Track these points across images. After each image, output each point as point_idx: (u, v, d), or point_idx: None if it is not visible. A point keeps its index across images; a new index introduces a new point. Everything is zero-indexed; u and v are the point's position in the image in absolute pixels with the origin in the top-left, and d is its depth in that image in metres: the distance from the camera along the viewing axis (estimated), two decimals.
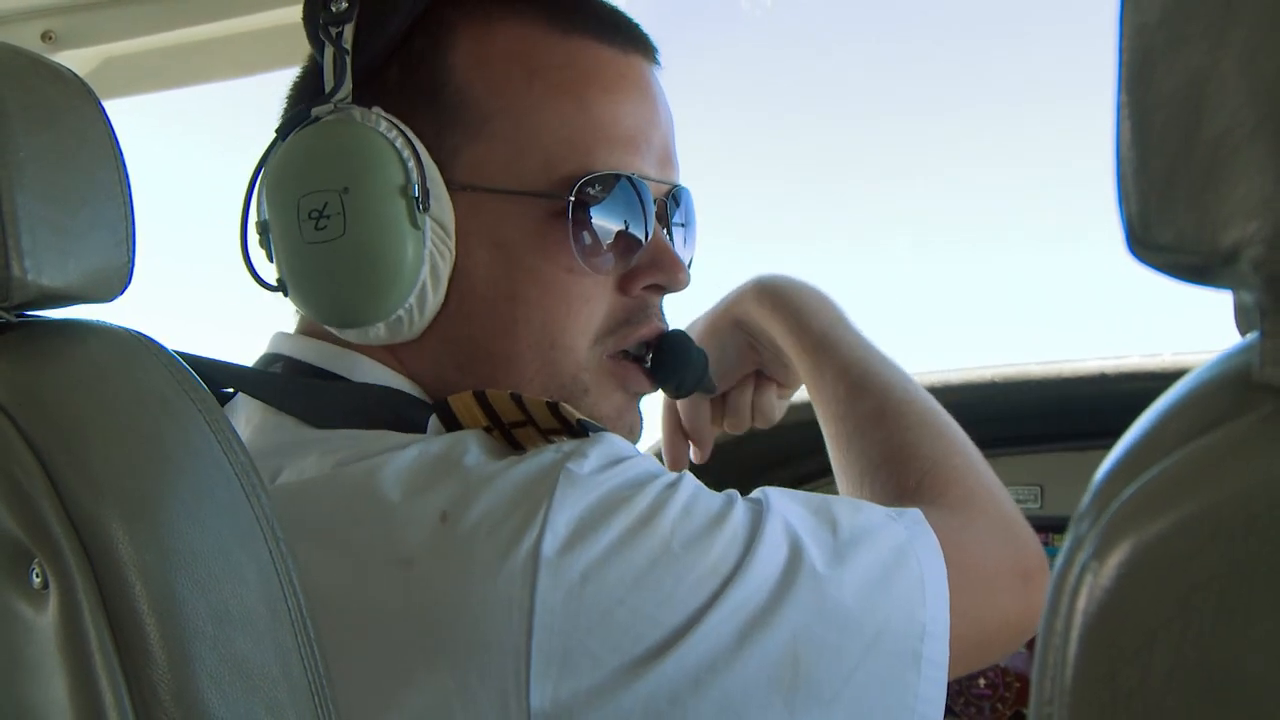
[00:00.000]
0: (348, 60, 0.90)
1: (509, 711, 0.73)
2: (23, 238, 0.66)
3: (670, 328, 1.02)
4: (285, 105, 1.00)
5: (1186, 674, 0.38)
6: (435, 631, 0.74)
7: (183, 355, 0.73)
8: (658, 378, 1.02)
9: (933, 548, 0.86)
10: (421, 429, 0.89)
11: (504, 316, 0.93)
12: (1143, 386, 1.63)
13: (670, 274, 0.98)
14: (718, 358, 1.19)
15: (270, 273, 0.96)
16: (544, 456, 0.80)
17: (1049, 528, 1.86)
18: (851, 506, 0.87)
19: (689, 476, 0.84)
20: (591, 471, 0.79)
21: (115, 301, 0.74)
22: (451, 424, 0.87)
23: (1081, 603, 0.40)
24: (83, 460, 0.65)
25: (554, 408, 0.84)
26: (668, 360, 1.01)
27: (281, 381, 0.94)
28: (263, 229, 0.93)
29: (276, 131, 0.94)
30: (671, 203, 1.00)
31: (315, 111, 0.90)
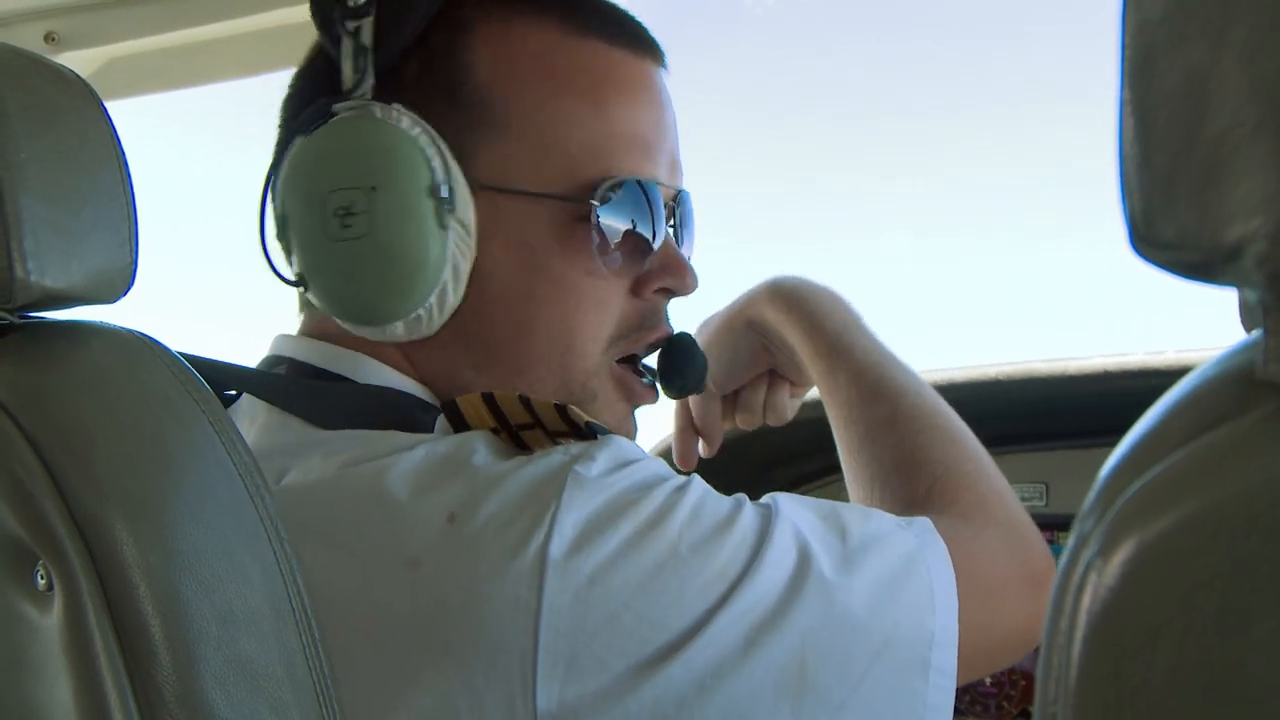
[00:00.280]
0: (368, 56, 0.90)
1: (515, 713, 0.73)
2: (25, 239, 0.66)
3: (676, 330, 1.03)
4: (290, 99, 0.99)
5: (1189, 672, 0.38)
6: (442, 632, 0.74)
7: (186, 357, 0.73)
8: (664, 379, 1.03)
9: (942, 556, 0.86)
10: (428, 430, 0.89)
11: (522, 317, 0.93)
12: (1147, 384, 1.63)
13: (680, 278, 1.00)
14: (731, 358, 1.20)
15: (283, 265, 0.95)
16: (552, 458, 0.79)
17: (1054, 525, 1.86)
18: (861, 514, 0.87)
19: (697, 480, 0.83)
20: (599, 474, 0.79)
21: (118, 303, 0.74)
22: (460, 425, 0.87)
23: (1086, 601, 0.40)
24: (86, 461, 0.65)
25: (562, 410, 0.84)
26: (676, 363, 1.03)
27: (286, 383, 0.93)
28: (281, 224, 0.91)
29: (286, 126, 0.95)
30: (677, 207, 1.01)
31: (336, 107, 0.90)
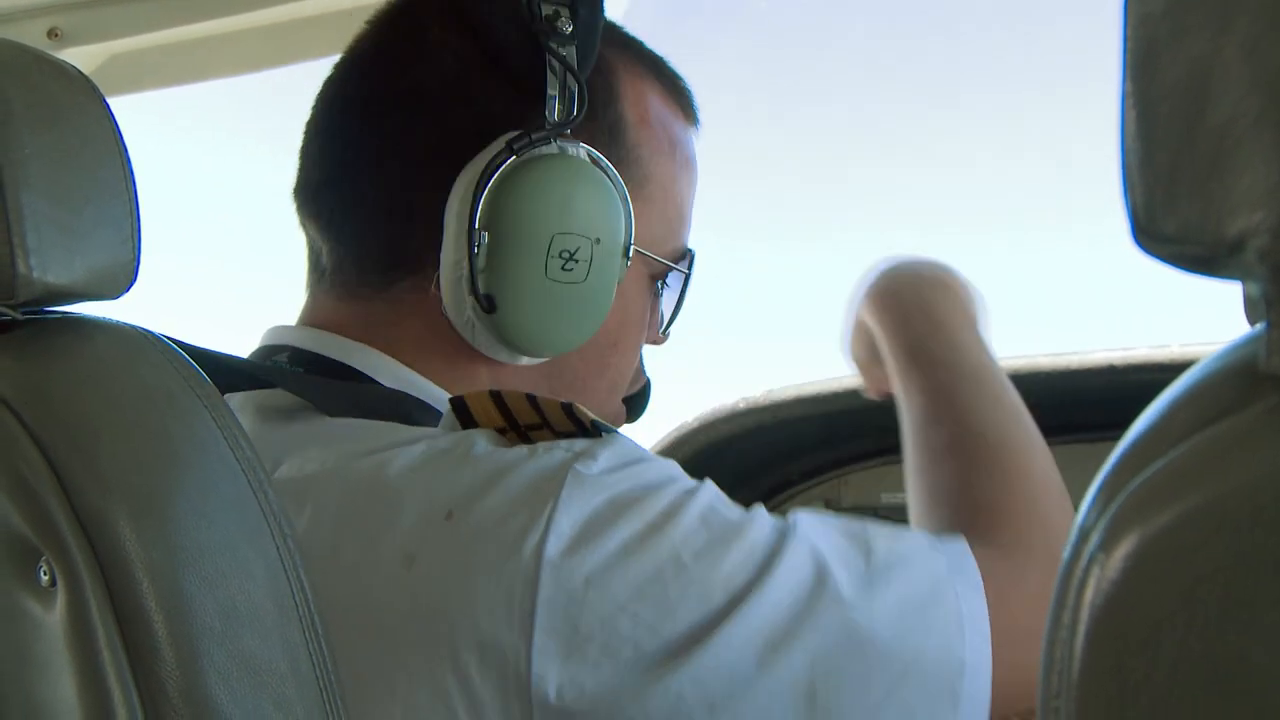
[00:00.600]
0: (582, 88, 0.89)
1: (511, 713, 0.73)
2: (28, 236, 0.67)
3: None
4: (413, 98, 0.94)
5: (1192, 666, 0.38)
6: (437, 628, 0.74)
7: (190, 348, 0.74)
8: (630, 412, 1.10)
9: (974, 584, 0.82)
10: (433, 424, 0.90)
11: (605, 360, 1.00)
12: (1151, 378, 1.63)
13: (660, 341, 1.09)
14: (867, 357, 1.23)
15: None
16: (553, 455, 0.79)
17: None
18: (891, 534, 0.84)
19: (709, 485, 0.82)
20: (601, 472, 0.78)
21: (121, 298, 0.74)
22: (467, 422, 0.87)
23: (1089, 595, 0.40)
24: (89, 457, 0.65)
25: (568, 409, 0.83)
26: (642, 403, 1.10)
27: (298, 376, 0.92)
28: (483, 242, 0.88)
29: (488, 140, 0.90)
30: None
31: (537, 139, 0.89)
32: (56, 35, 1.39)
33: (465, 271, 0.88)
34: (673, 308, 1.06)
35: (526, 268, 0.89)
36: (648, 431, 1.98)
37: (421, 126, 0.93)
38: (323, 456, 0.82)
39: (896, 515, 1.94)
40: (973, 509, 0.96)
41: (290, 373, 0.92)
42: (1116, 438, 0.42)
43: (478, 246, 0.87)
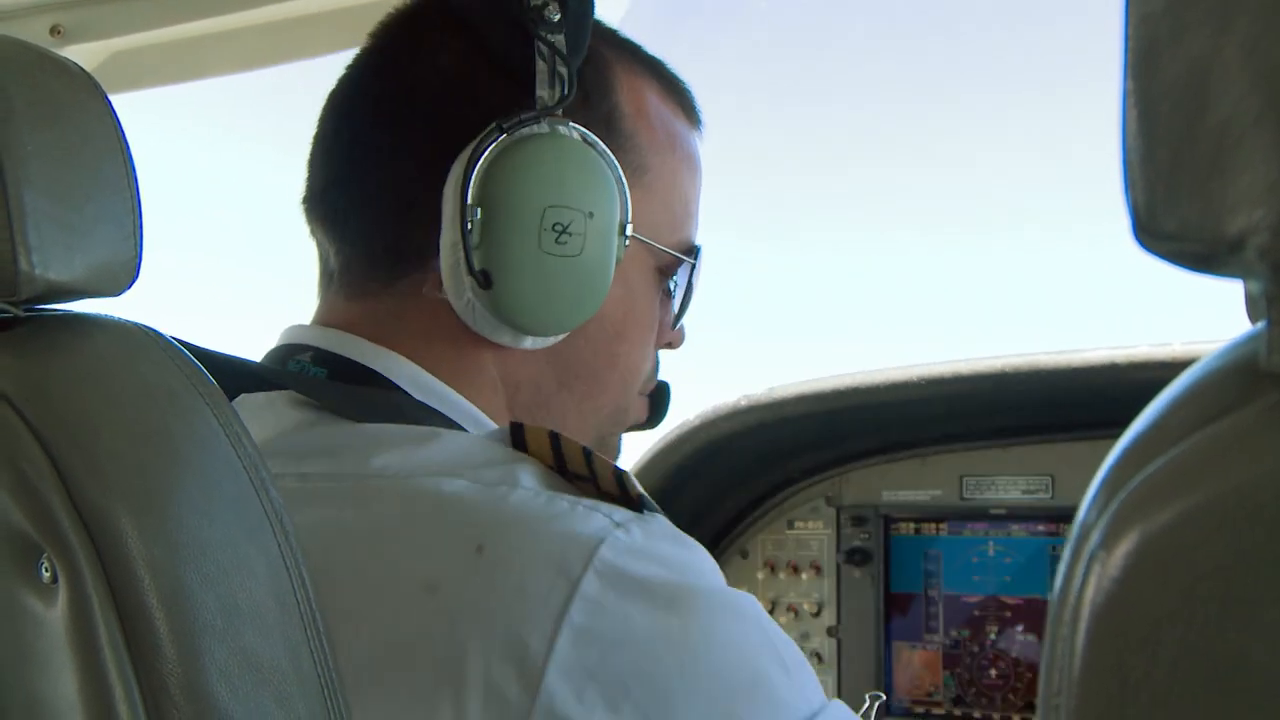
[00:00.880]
0: (571, 70, 0.92)
1: None
2: (30, 233, 0.67)
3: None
4: (418, 89, 0.96)
5: (1192, 664, 0.38)
6: (448, 657, 0.73)
7: (214, 354, 0.74)
8: (650, 415, 1.12)
9: None
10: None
11: (612, 349, 1.01)
12: (1152, 376, 1.63)
13: (679, 342, 1.13)
14: None
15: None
16: (593, 519, 0.78)
17: (1059, 518, 1.86)
18: None
19: (747, 605, 0.81)
20: (636, 551, 0.77)
21: (122, 295, 0.74)
22: (518, 444, 0.86)
23: (1089, 593, 0.40)
24: (91, 454, 0.65)
25: (621, 475, 0.83)
26: (663, 406, 1.13)
27: (325, 385, 0.93)
28: (477, 219, 0.90)
29: (491, 123, 0.91)
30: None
31: (526, 119, 0.91)
32: (59, 33, 1.40)
33: (461, 251, 0.89)
34: (677, 305, 1.08)
35: (519, 240, 0.90)
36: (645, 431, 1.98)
37: (419, 122, 0.95)
38: (357, 463, 0.83)
39: (896, 512, 1.95)
40: None
41: (317, 380, 0.93)
42: (1118, 436, 0.43)
43: (470, 223, 0.89)
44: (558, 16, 0.91)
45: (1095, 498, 0.41)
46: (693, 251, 1.06)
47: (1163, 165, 0.39)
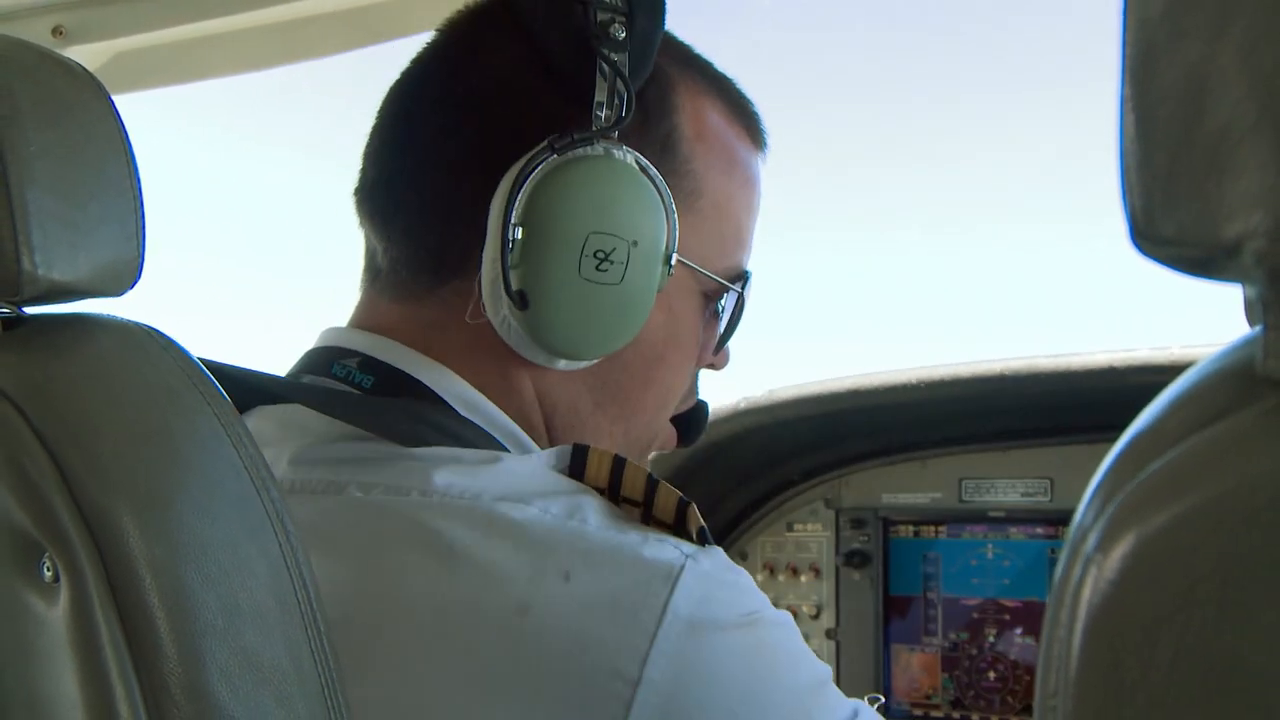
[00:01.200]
0: (630, 92, 0.89)
1: None
2: (33, 233, 0.67)
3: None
4: (477, 102, 0.95)
5: (1189, 666, 0.38)
6: (539, 679, 0.75)
7: (256, 374, 0.73)
8: (683, 434, 1.10)
9: None
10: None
11: (651, 374, 1.00)
12: (1151, 379, 1.64)
13: (724, 364, 1.11)
14: None
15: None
16: (665, 548, 0.80)
17: (1058, 521, 1.86)
18: None
19: (792, 622, 0.85)
20: (712, 577, 0.80)
21: (125, 295, 0.74)
22: (578, 468, 0.87)
23: (1086, 595, 0.40)
24: (93, 454, 0.65)
25: (683, 506, 0.84)
26: (696, 424, 1.11)
27: (373, 404, 0.91)
28: (518, 239, 0.88)
29: (536, 141, 0.89)
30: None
31: (580, 139, 0.89)
32: (61, 33, 1.40)
33: (500, 269, 0.88)
34: (723, 329, 1.06)
35: (559, 264, 0.88)
36: None
37: (472, 129, 0.93)
38: (418, 479, 0.82)
39: (895, 515, 1.95)
40: None
41: (360, 401, 0.91)
42: (1117, 439, 0.43)
43: (512, 242, 0.87)
44: (623, 35, 0.89)
45: (1092, 500, 0.41)
46: (742, 278, 1.04)
47: (1160, 170, 0.39)
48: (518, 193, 0.87)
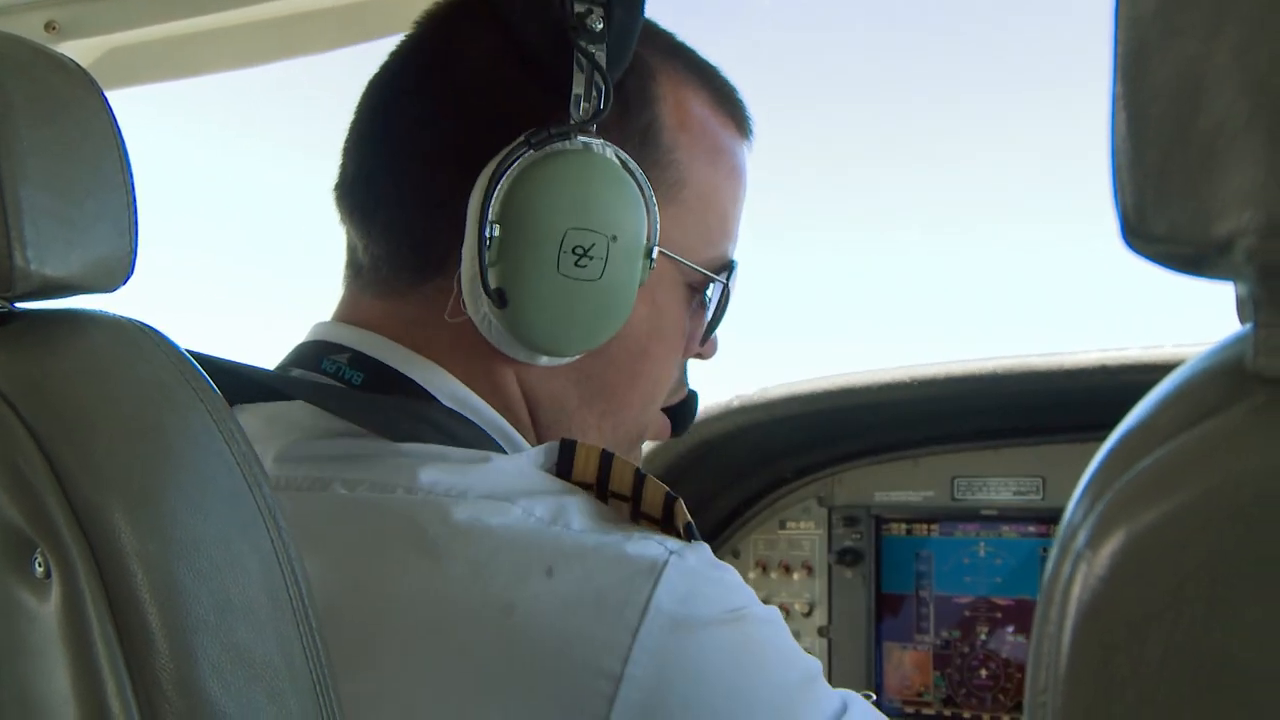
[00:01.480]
0: (608, 86, 0.89)
1: None
2: (26, 229, 0.67)
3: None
4: (453, 94, 0.94)
5: (1178, 663, 0.38)
6: (526, 676, 0.75)
7: (243, 367, 0.74)
8: (675, 424, 1.09)
9: None
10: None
11: (636, 368, 0.99)
12: (1143, 378, 1.64)
13: (712, 354, 1.10)
14: None
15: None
16: (649, 545, 0.79)
17: (1051, 519, 1.86)
18: None
19: (778, 615, 0.85)
20: (696, 572, 0.79)
21: (118, 291, 0.74)
22: (566, 463, 0.86)
23: (1076, 592, 0.40)
24: (85, 450, 0.65)
25: (670, 501, 0.84)
26: (687, 414, 1.10)
27: (360, 398, 0.91)
28: (495, 237, 0.88)
29: (518, 137, 0.89)
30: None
31: (556, 134, 0.88)
32: (54, 28, 1.39)
33: (478, 266, 0.87)
34: (709, 320, 1.05)
35: (537, 261, 0.88)
36: None
37: (450, 121, 0.93)
38: (401, 476, 0.82)
39: (887, 513, 1.95)
40: None
41: (352, 396, 0.91)
42: (1108, 437, 0.43)
43: (490, 240, 0.87)
44: (600, 26, 0.88)
45: (1082, 497, 0.42)
46: (727, 268, 1.03)
47: (1152, 168, 0.39)
48: (494, 190, 0.87)
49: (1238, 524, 0.37)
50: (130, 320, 0.72)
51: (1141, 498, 0.39)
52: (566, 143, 0.88)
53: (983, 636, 1.88)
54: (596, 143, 0.89)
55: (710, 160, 0.99)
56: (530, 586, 0.76)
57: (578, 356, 0.94)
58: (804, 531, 2.01)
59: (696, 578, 0.79)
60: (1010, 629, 1.87)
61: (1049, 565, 0.42)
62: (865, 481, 1.97)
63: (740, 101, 1.05)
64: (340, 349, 0.93)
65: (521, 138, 0.87)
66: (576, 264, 0.88)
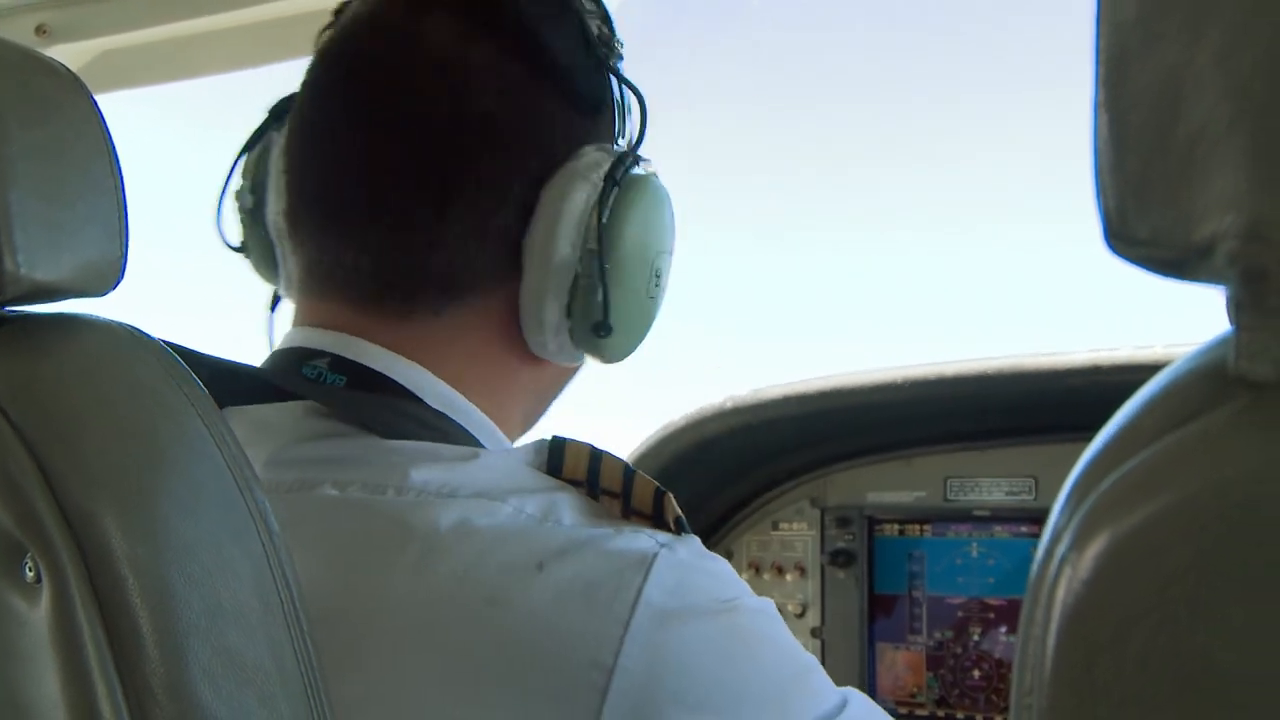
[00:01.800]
0: (645, 110, 0.91)
1: None
2: (15, 233, 0.67)
3: None
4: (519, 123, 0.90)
5: (1162, 665, 0.38)
6: (515, 668, 0.75)
7: (234, 364, 0.76)
8: None
9: None
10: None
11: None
12: (1134, 378, 1.64)
13: None
14: None
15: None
16: (640, 538, 0.80)
17: (1043, 520, 1.86)
18: None
19: (773, 606, 0.86)
20: (687, 565, 0.80)
21: (108, 295, 0.74)
22: (555, 462, 0.86)
23: (1060, 594, 0.41)
24: (76, 454, 0.65)
25: (660, 496, 0.84)
26: None
27: (357, 398, 0.89)
28: (604, 267, 0.88)
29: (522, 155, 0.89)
30: None
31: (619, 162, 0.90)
32: (44, 32, 1.40)
33: (588, 300, 0.88)
34: None
35: (634, 291, 0.90)
36: (636, 430, 1.99)
37: (489, 153, 0.88)
38: (391, 475, 0.82)
39: (880, 514, 1.95)
40: None
41: (340, 392, 0.89)
42: None
43: (588, 273, 0.88)
44: (621, 45, 0.91)
45: (1067, 500, 0.42)
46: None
47: (1134, 172, 0.39)
48: (588, 223, 0.87)
49: (1220, 527, 0.38)
50: (121, 324, 0.72)
51: (1124, 501, 0.40)
52: (635, 169, 0.90)
53: (976, 637, 1.88)
54: (644, 162, 0.92)
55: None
56: (521, 582, 0.76)
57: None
58: (797, 532, 2.01)
59: (687, 569, 0.79)
60: (1003, 629, 1.87)
61: (1034, 567, 0.42)
62: (858, 482, 1.97)
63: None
64: (319, 354, 0.89)
65: (595, 169, 0.88)
66: (656, 285, 0.92)
